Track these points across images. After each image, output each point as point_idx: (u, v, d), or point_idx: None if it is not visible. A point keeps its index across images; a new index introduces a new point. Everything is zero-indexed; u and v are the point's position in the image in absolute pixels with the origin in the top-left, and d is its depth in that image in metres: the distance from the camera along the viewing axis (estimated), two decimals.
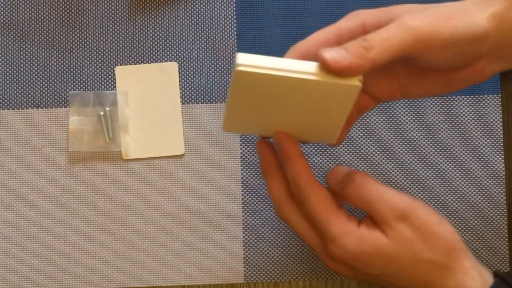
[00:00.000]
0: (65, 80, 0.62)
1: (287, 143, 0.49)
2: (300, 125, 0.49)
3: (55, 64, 0.62)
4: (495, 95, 0.63)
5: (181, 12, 0.63)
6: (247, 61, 0.44)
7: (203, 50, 0.63)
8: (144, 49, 0.63)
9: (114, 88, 0.62)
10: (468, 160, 0.62)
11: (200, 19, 0.63)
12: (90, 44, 0.63)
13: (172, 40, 0.63)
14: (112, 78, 0.62)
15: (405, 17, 0.45)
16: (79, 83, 0.62)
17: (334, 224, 0.47)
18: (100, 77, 0.62)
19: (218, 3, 0.63)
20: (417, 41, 0.44)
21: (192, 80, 0.62)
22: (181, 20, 0.63)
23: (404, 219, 0.47)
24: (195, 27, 0.63)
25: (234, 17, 0.63)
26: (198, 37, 0.63)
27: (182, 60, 0.63)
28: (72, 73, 0.62)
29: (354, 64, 0.43)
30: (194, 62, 0.63)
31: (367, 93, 0.51)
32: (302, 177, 0.48)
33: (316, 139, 0.51)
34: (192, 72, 0.63)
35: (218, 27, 0.63)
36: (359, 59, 0.43)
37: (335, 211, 0.48)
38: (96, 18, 0.63)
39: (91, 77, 0.62)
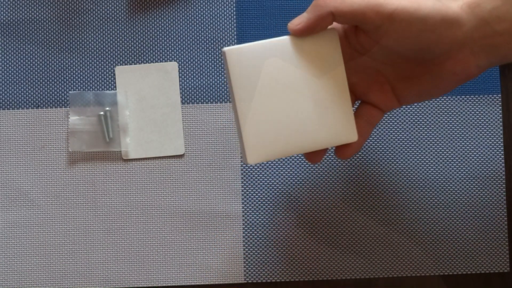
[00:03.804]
0: (65, 80, 0.62)
1: None
2: (314, 119, 0.49)
3: (55, 64, 0.62)
4: (495, 95, 0.63)
5: (181, 12, 0.63)
6: (232, 46, 0.48)
7: (203, 50, 0.63)
8: (144, 49, 0.63)
9: (114, 88, 0.62)
10: (468, 160, 0.62)
11: (200, 19, 0.63)
12: (90, 44, 0.63)
13: (172, 40, 0.63)
14: (112, 78, 0.62)
15: None
16: (79, 83, 0.62)
17: None
18: (100, 77, 0.62)
19: (218, 3, 0.63)
20: (378, 5, 0.45)
21: (192, 80, 0.62)
22: (181, 20, 0.63)
23: None
24: (195, 27, 0.63)
25: (234, 17, 0.63)
26: (198, 37, 0.63)
27: (182, 60, 0.63)
28: (72, 73, 0.62)
29: (312, 19, 0.46)
30: (194, 62, 0.63)
31: (368, 104, 0.51)
32: None
33: (336, 138, 0.50)
34: (192, 72, 0.63)
35: (218, 27, 0.63)
36: (316, 12, 0.46)
37: None
38: (96, 18, 0.63)
39: (91, 77, 0.62)
